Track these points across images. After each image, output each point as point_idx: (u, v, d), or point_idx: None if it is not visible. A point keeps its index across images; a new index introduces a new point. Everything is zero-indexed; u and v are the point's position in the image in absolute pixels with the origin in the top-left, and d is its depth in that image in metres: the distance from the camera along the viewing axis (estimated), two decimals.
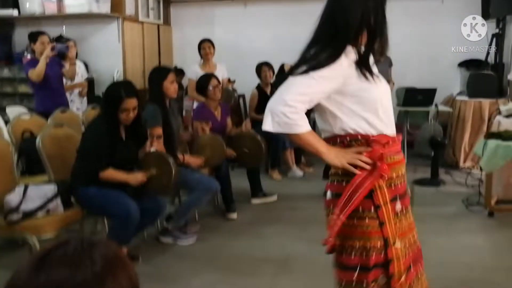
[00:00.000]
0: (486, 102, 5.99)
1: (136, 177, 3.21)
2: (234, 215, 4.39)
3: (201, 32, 6.91)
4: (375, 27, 1.82)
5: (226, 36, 7.82)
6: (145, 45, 7.39)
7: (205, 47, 5.71)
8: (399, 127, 2.22)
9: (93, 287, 0.77)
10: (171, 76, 3.89)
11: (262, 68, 5.95)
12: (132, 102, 3.15)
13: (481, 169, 5.74)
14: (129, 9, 7.02)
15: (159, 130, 3.68)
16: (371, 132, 1.84)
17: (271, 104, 1.77)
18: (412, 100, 5.90)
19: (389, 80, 5.88)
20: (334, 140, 1.86)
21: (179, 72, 7.03)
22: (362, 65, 1.81)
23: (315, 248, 3.65)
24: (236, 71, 6.46)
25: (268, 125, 1.76)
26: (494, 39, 6.49)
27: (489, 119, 5.89)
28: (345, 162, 1.80)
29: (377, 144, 1.83)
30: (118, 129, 3.23)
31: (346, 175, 1.82)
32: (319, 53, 1.78)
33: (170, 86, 3.87)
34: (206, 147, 4.04)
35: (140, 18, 7.27)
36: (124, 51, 6.88)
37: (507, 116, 4.90)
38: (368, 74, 1.81)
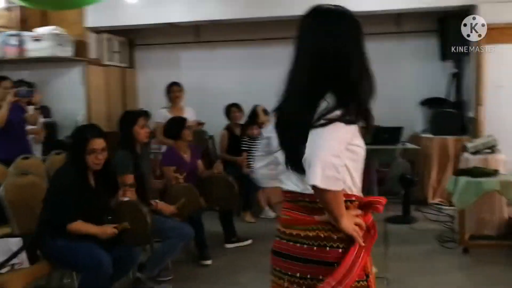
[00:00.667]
0: (450, 139, 6.13)
1: (106, 231, 3.04)
2: (208, 262, 4.24)
3: (167, 75, 6.88)
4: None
5: (193, 79, 7.80)
6: (110, 89, 7.27)
7: (174, 90, 5.68)
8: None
9: None
10: (141, 121, 3.81)
11: (231, 109, 5.94)
12: (99, 143, 3.03)
13: (451, 205, 5.84)
14: (93, 53, 6.94)
15: (130, 178, 3.55)
16: (358, 193, 1.69)
17: (320, 154, 1.49)
18: (380, 138, 5.97)
19: None
20: None
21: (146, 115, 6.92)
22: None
23: None
24: (203, 113, 6.43)
25: (317, 179, 1.48)
26: (454, 78, 6.71)
27: (456, 156, 6.02)
28: (352, 228, 1.62)
29: (367, 207, 1.70)
30: (87, 175, 3.08)
31: (342, 241, 1.62)
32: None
33: (141, 131, 3.78)
34: (180, 197, 3.90)
35: (105, 61, 7.18)
36: (88, 95, 6.74)
37: (474, 153, 5.01)
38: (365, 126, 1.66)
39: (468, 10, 6.32)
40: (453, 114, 6.28)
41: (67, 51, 6.46)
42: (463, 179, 4.41)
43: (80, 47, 6.65)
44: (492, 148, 5.10)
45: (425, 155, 6.30)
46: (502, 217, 4.78)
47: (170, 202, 3.86)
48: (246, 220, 5.58)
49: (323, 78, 1.65)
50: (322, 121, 1.56)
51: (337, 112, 1.57)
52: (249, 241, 4.77)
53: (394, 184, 5.86)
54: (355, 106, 1.60)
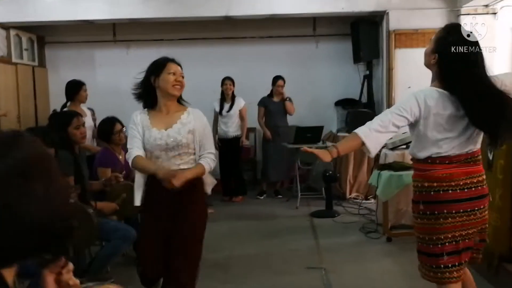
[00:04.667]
0: None
1: None
2: None
3: (80, 75, 6.57)
4: None
5: (108, 78, 7.58)
6: (20, 88, 6.85)
7: (85, 89, 5.36)
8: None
9: None
10: (75, 121, 3.68)
11: None
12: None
13: (367, 198, 6.23)
14: (1, 50, 6.49)
15: (71, 180, 3.41)
16: None
17: None
18: (302, 137, 6.22)
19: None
20: None
21: None
22: None
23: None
24: (119, 115, 6.22)
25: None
26: (365, 80, 7.17)
27: None
28: None
29: None
30: None
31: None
32: None
33: (76, 132, 3.67)
34: (121, 196, 3.81)
35: (14, 59, 6.75)
36: None
37: (392, 149, 5.40)
38: None
39: (379, 16, 6.81)
40: (367, 113, 6.69)
41: None
42: (386, 173, 4.74)
43: None
44: (407, 144, 5.52)
45: None
46: None
47: (111, 201, 3.76)
48: None
49: None
50: None
51: None
52: None
53: (317, 181, 6.13)
54: None
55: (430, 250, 2.47)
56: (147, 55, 7.53)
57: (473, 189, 2.45)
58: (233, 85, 6.61)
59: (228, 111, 6.60)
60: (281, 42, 7.60)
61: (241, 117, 6.66)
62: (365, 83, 7.16)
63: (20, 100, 6.84)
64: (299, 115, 7.03)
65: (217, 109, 6.65)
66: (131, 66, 7.53)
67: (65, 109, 5.26)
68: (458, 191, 2.42)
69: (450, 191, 2.42)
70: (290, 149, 6.42)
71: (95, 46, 7.67)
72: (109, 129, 4.28)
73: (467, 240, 2.45)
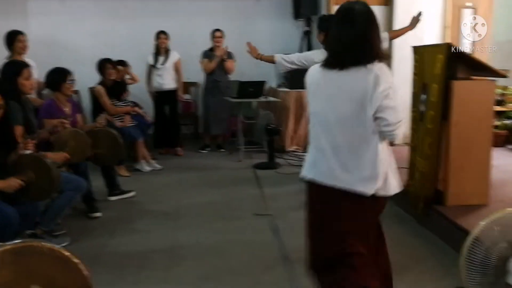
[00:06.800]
0: (304, 92, 6.73)
1: (11, 184, 2.92)
2: (98, 214, 4.24)
3: (12, 25, 6.26)
4: None
5: (42, 30, 7.28)
6: None
7: (20, 40, 5.17)
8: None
9: None
10: (26, 72, 3.63)
11: (105, 65, 5.70)
12: None
13: (306, 151, 6.50)
14: None
15: (19, 129, 3.37)
16: None
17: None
18: (245, 92, 6.35)
19: None
20: None
21: None
22: None
23: (196, 235, 3.82)
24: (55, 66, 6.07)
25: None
26: (305, 36, 7.35)
27: None
28: None
29: None
30: None
31: None
32: None
33: (26, 83, 3.62)
34: (68, 142, 3.81)
35: None
36: None
37: None
38: None
39: None
40: (305, 69, 6.88)
41: None
42: None
43: None
44: None
45: (283, 107, 6.86)
46: None
47: (59, 150, 3.76)
48: (121, 174, 5.55)
49: None
50: None
51: None
52: (132, 193, 4.82)
53: (260, 134, 6.32)
54: None
55: None
56: (83, 6, 7.42)
57: None
58: (167, 39, 6.58)
59: (162, 64, 6.58)
60: None
61: (176, 70, 6.68)
62: (305, 39, 7.34)
63: None
64: (240, 70, 7.12)
65: (151, 62, 6.62)
66: (67, 17, 7.38)
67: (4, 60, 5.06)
68: None
69: None
70: (232, 103, 6.53)
71: None
72: (61, 78, 4.19)
73: None
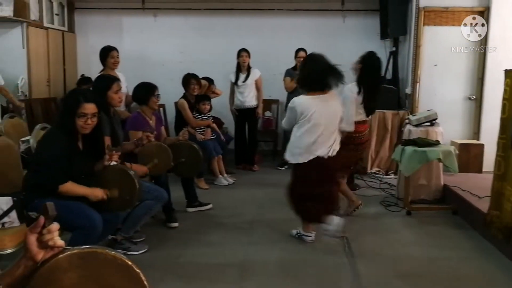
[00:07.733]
0: (388, 113, 6.58)
1: (96, 194, 3.07)
2: (176, 225, 4.36)
3: (108, 40, 6.67)
4: None
5: (134, 46, 7.70)
6: (50, 52, 6.99)
7: (113, 55, 5.49)
8: None
9: None
10: (115, 86, 3.82)
11: (190, 80, 5.92)
12: (90, 108, 3.02)
13: (387, 173, 6.32)
14: (33, 14, 6.61)
15: (107, 140, 3.55)
16: None
17: None
18: None
19: None
20: None
21: (87, 81, 6.72)
22: None
23: (268, 251, 3.81)
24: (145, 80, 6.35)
25: None
26: (391, 57, 7.17)
27: (393, 128, 6.51)
28: None
29: None
30: (76, 139, 3.08)
31: None
32: None
33: (115, 96, 3.81)
34: (153, 156, 3.96)
35: (45, 23, 6.87)
36: (29, 58, 6.44)
37: (416, 126, 5.46)
38: None
39: None
40: (392, 90, 6.73)
41: (6, 11, 6.11)
42: (409, 149, 4.82)
43: (20, 7, 6.28)
44: (431, 121, 5.59)
45: None
46: (438, 183, 5.29)
47: (142, 162, 3.91)
48: (200, 186, 5.69)
49: None
50: None
51: None
52: (209, 206, 4.92)
53: None
54: None
55: None
56: (173, 22, 7.75)
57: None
58: (249, 57, 6.67)
59: (243, 81, 6.68)
60: (308, 16, 7.61)
61: (257, 87, 6.75)
62: (391, 60, 7.16)
63: (50, 65, 6.98)
64: None
65: (233, 80, 6.75)
66: (158, 33, 7.74)
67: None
68: None
69: None
70: None
71: (123, 13, 7.75)
72: (148, 93, 4.37)
73: None
